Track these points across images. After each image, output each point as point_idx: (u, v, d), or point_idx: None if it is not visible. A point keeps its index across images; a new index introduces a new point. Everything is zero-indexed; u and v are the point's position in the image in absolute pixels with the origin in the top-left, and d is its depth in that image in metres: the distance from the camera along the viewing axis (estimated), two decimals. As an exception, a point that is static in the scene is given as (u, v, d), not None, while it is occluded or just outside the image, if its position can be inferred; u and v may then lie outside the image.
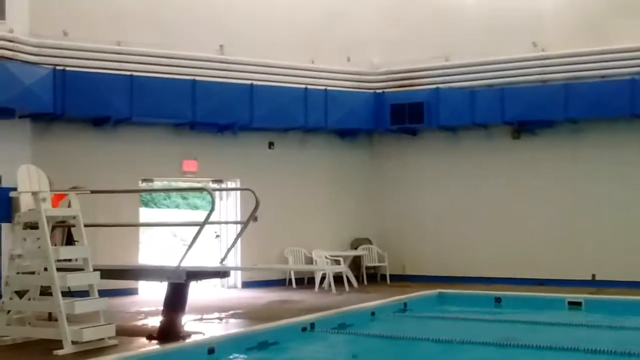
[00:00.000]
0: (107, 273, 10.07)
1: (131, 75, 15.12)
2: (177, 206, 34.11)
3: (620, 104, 15.75)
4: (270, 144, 17.50)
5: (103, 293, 9.72)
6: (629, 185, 16.28)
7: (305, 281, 17.13)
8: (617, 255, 16.16)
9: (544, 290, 15.10)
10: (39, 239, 9.43)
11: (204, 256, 15.81)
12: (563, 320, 12.56)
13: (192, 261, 10.59)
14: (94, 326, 9.19)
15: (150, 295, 14.20)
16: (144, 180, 16.14)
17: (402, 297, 13.79)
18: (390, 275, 17.77)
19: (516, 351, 9.97)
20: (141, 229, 16.63)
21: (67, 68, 14.57)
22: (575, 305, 13.38)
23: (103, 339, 9.18)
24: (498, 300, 13.99)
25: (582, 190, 16.70)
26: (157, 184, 17.27)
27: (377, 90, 17.99)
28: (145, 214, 24.76)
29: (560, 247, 16.70)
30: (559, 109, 16.34)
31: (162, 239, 25.79)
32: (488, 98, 16.94)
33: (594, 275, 16.23)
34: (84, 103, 14.62)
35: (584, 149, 16.72)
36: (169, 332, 9.65)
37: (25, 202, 9.63)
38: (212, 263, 14.56)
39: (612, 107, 15.88)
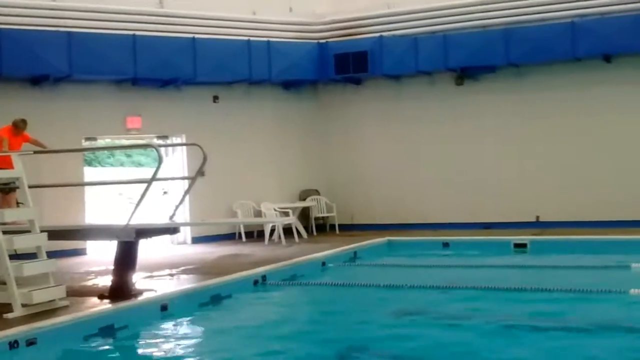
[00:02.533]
0: (55, 234, 9.94)
1: (69, 32, 14.77)
2: (122, 164, 33.75)
3: (560, 47, 15.94)
4: (215, 98, 17.34)
5: (51, 255, 9.59)
6: (569, 127, 16.55)
7: (255, 234, 17.16)
8: (559, 196, 16.51)
9: (490, 234, 15.39)
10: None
11: (152, 213, 15.70)
12: (509, 262, 12.87)
13: (141, 219, 10.50)
14: (43, 288, 9.08)
15: (99, 255, 14.09)
16: (87, 138, 15.88)
17: (352, 246, 13.94)
18: (339, 225, 17.91)
19: (463, 293, 10.19)
20: (86, 188, 16.38)
21: (1, 26, 14.15)
22: (520, 247, 13.70)
23: (54, 300, 9.09)
24: (446, 245, 14.26)
25: (524, 133, 16.94)
26: (101, 142, 17.01)
27: (321, 41, 17.90)
28: (90, 174, 24.43)
29: (504, 191, 16.99)
30: (500, 54, 16.48)
31: (107, 198, 25.50)
32: (431, 45, 16.99)
33: (537, 217, 16.58)
34: (21, 62, 14.25)
35: (525, 93, 16.92)
36: (120, 290, 9.61)
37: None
38: (161, 220, 14.48)
39: (553, 51, 16.07)
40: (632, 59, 15.91)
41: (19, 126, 12.40)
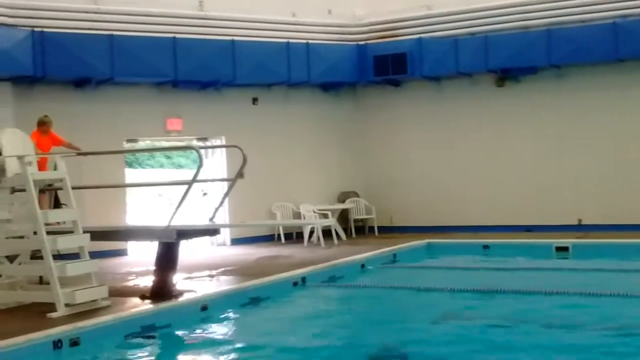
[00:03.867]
0: (97, 234, 10.05)
1: (111, 35, 14.93)
2: (162, 166, 34.03)
3: (602, 48, 15.73)
4: (254, 100, 17.41)
5: (93, 255, 9.70)
6: (611, 129, 16.33)
7: (294, 236, 17.19)
8: (601, 199, 16.29)
9: (531, 237, 15.24)
10: (26, 203, 9.37)
11: (192, 215, 15.81)
12: (551, 265, 12.73)
13: (181, 220, 10.58)
14: (86, 288, 9.19)
15: (140, 256, 14.22)
16: (128, 140, 16.04)
17: (391, 248, 13.90)
18: (378, 227, 17.85)
19: (503, 297, 10.10)
20: (127, 189, 16.55)
21: (45, 29, 14.36)
22: (562, 250, 13.54)
23: (96, 300, 9.19)
24: (486, 247, 14.15)
25: (566, 135, 16.75)
26: (141, 143, 17.16)
27: (360, 42, 17.88)
28: (130, 175, 24.68)
29: (546, 193, 16.81)
30: (541, 55, 16.32)
31: (147, 199, 25.74)
32: (471, 46, 16.88)
33: (580, 220, 16.37)
34: (64, 65, 14.45)
35: (567, 94, 16.73)
36: (161, 291, 9.68)
37: (11, 167, 9.55)
38: (201, 221, 14.57)
39: (595, 52, 15.86)
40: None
41: (44, 122, 12.20)
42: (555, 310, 9.25)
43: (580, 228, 16.06)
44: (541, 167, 16.95)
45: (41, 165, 11.72)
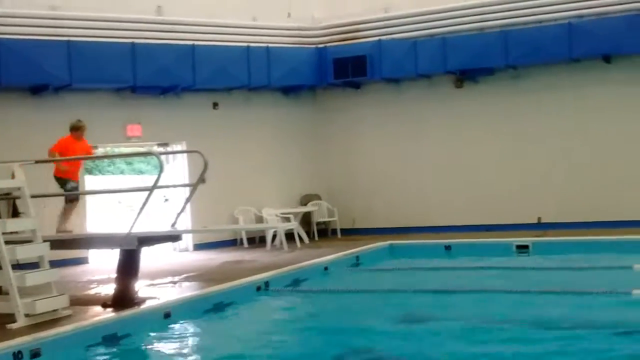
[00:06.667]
0: (57, 243, 9.95)
1: (68, 41, 14.77)
2: (122, 172, 33.73)
3: (557, 48, 15.94)
4: (215, 105, 17.34)
5: (53, 264, 9.58)
6: (568, 128, 16.57)
7: (256, 240, 17.15)
8: (560, 197, 16.50)
9: (492, 236, 15.39)
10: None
11: (154, 221, 15.70)
12: (512, 264, 12.88)
13: (143, 227, 10.50)
14: (46, 298, 9.06)
15: (101, 264, 14.08)
16: (88, 147, 15.86)
17: (354, 250, 13.95)
18: (341, 229, 17.92)
19: (465, 296, 10.20)
20: (87, 197, 16.37)
21: (1, 36, 14.17)
22: (522, 248, 13.71)
23: (57, 310, 9.08)
24: (448, 248, 14.26)
25: (523, 135, 16.95)
26: (101, 150, 17.00)
27: (319, 45, 17.92)
28: (90, 182, 24.42)
29: (505, 192, 16.98)
30: (498, 56, 16.49)
31: (108, 206, 25.50)
32: (430, 48, 17.00)
33: (539, 219, 16.58)
34: (21, 72, 14.21)
35: (524, 94, 16.92)
36: (123, 299, 9.60)
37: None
38: (163, 227, 14.47)
39: (551, 52, 16.08)
40: (629, 60, 15.93)
41: (78, 127, 12.09)
42: (516, 309, 9.36)
43: (539, 226, 16.26)
44: (500, 167, 17.13)
45: (73, 172, 11.56)
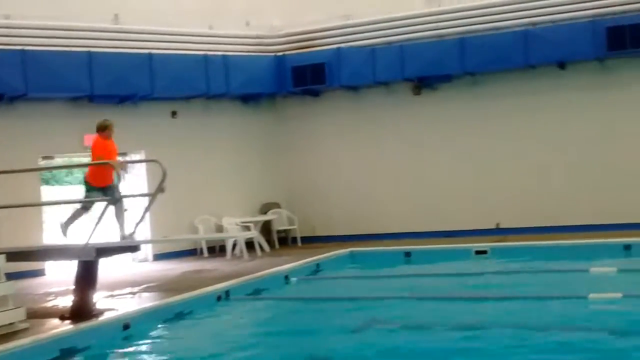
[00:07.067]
0: (13, 255, 9.81)
1: (23, 50, 14.60)
2: (80, 182, 33.30)
3: (514, 55, 16.17)
4: (174, 113, 17.25)
5: (9, 276, 9.45)
6: (525, 134, 16.77)
7: (217, 249, 17.06)
8: (518, 203, 16.69)
9: (451, 242, 15.50)
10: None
11: (112, 232, 15.53)
12: (471, 269, 12.98)
13: (101, 237, 10.40)
14: (3, 311, 8.95)
15: (59, 275, 13.92)
16: (45, 157, 15.68)
17: (314, 258, 13.94)
18: (302, 237, 17.91)
19: (426, 302, 10.25)
20: (44, 208, 16.16)
21: (-46, 45, 13.98)
22: (481, 254, 13.82)
23: (13, 323, 8.96)
24: (408, 254, 14.32)
25: (482, 141, 17.13)
26: (58, 160, 16.79)
27: (278, 53, 17.93)
28: (47, 193, 24.08)
29: (465, 198, 17.14)
30: (455, 63, 16.67)
31: (65, 217, 25.14)
32: (388, 56, 17.11)
33: (498, 224, 16.74)
34: (-25, 81, 14.08)
35: (482, 101, 17.11)
36: (81, 311, 9.50)
37: None
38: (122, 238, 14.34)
39: (507, 59, 16.29)
40: (585, 66, 16.19)
41: (106, 126, 11.65)
42: (475, 314, 9.43)
43: (498, 232, 16.42)
44: (459, 173, 17.28)
45: (107, 174, 11.24)
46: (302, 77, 17.58)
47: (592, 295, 9.44)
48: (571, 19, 15.93)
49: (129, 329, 9.12)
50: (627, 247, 13.11)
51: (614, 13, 15.64)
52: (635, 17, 15.36)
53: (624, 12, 15.57)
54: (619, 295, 9.32)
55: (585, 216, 15.98)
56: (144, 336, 9.09)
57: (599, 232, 14.79)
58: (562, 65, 16.27)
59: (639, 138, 15.95)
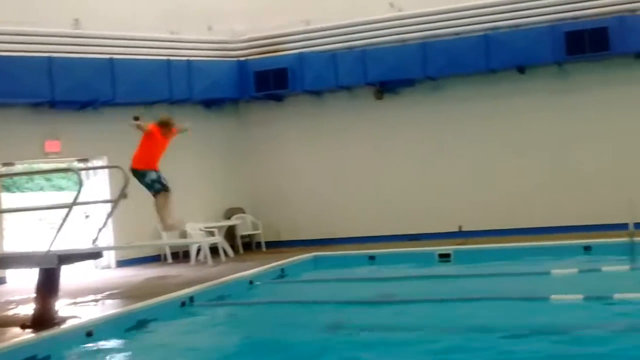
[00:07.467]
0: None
1: (-19, 55, 14.44)
2: (42, 189, 32.92)
3: (475, 60, 16.32)
4: (136, 119, 17.07)
5: (-31, 285, 9.34)
6: (486, 138, 16.94)
7: (180, 255, 16.98)
8: (480, 205, 16.84)
9: (415, 245, 15.59)
10: None
11: (75, 238, 15.39)
12: (434, 272, 13.08)
13: (63, 244, 10.30)
14: (-38, 320, 8.83)
15: (20, 283, 13.74)
16: (4, 164, 15.48)
17: (279, 263, 13.95)
18: (266, 242, 17.90)
19: (391, 306, 10.30)
20: (4, 215, 15.95)
21: None
22: (444, 257, 13.93)
23: (-27, 332, 8.85)
24: (372, 258, 14.38)
25: (443, 145, 17.26)
26: (19, 167, 16.60)
27: (241, 59, 17.91)
28: (8, 199, 23.79)
29: (427, 202, 17.25)
30: (417, 68, 16.78)
31: (27, 224, 24.87)
32: (350, 60, 17.18)
33: (460, 227, 16.88)
34: None
35: (443, 105, 17.24)
36: (43, 319, 9.39)
37: None
38: (84, 245, 14.21)
39: (468, 64, 16.44)
40: (544, 70, 16.42)
41: (167, 124, 11.88)
42: (438, 317, 9.50)
43: (461, 235, 16.56)
44: (422, 177, 17.40)
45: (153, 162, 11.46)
46: (265, 82, 17.59)
47: (554, 297, 9.56)
48: (531, 24, 16.12)
49: (91, 336, 9.03)
50: (587, 248, 13.31)
51: (573, 18, 15.87)
52: (593, 22, 15.59)
53: (583, 17, 15.80)
54: (581, 297, 9.46)
55: (545, 218, 16.18)
56: (107, 343, 9.01)
57: (559, 234, 14.97)
58: (521, 69, 16.47)
59: (597, 141, 16.20)
